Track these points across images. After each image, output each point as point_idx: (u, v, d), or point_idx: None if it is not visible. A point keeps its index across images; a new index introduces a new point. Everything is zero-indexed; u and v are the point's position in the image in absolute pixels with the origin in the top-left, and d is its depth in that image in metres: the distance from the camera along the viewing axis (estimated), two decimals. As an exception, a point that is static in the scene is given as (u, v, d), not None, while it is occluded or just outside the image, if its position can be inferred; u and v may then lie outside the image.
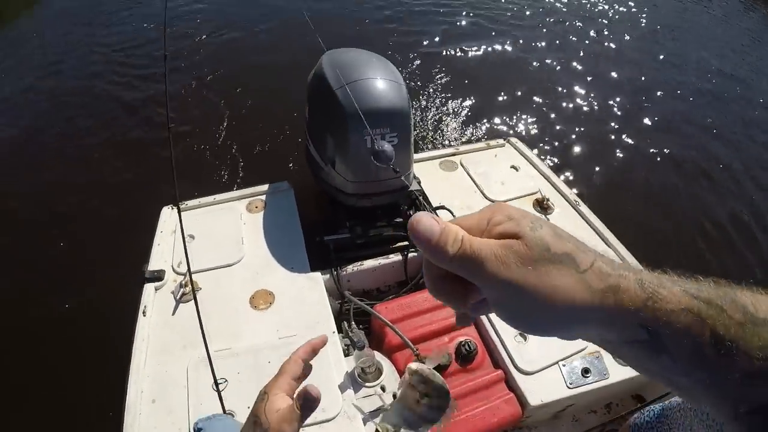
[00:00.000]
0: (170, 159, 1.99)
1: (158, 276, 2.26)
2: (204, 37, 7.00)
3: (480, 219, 0.49)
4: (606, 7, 7.96)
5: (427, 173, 2.85)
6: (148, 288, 2.23)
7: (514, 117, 5.23)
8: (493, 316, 2.04)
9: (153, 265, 2.34)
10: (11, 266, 4.00)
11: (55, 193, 4.70)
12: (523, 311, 0.47)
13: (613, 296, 0.45)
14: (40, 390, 3.17)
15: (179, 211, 2.05)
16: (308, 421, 1.72)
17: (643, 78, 6.15)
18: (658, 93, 5.87)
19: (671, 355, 0.46)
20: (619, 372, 1.96)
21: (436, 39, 6.48)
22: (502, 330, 2.03)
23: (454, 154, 3.03)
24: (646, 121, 5.39)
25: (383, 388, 1.89)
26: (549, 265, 0.45)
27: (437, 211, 2.54)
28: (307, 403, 0.81)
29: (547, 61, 6.32)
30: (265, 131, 4.81)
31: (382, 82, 2.29)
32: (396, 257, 2.46)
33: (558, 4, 7.86)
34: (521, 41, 6.61)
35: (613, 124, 5.29)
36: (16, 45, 8.79)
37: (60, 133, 5.70)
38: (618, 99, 5.64)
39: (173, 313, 2.15)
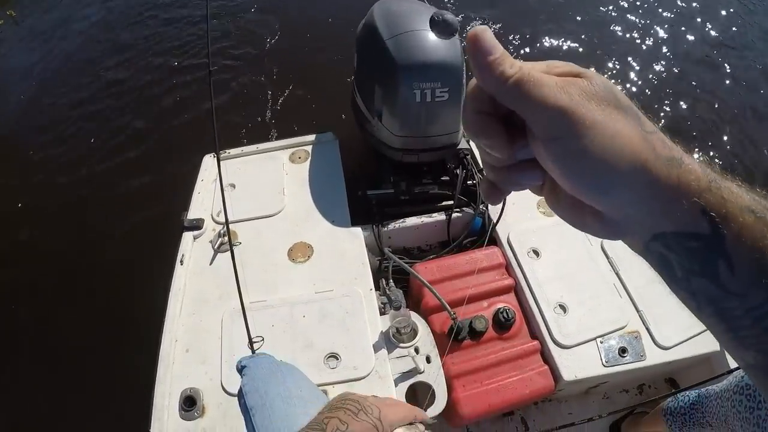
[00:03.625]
0: (211, 106, 2.04)
1: (197, 225, 2.36)
2: None
3: (539, 63, 0.45)
4: None
5: None
6: (187, 237, 2.34)
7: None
8: (535, 284, 2.06)
9: (192, 213, 2.45)
10: (53, 219, 4.23)
11: (99, 141, 4.91)
12: (577, 150, 0.41)
13: (676, 169, 0.41)
14: (77, 336, 3.39)
15: (218, 160, 2.12)
16: (339, 378, 1.82)
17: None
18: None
19: (729, 262, 0.41)
20: (656, 354, 1.97)
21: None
22: (542, 300, 2.06)
23: None
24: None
25: (417, 350, 1.95)
26: (613, 108, 0.41)
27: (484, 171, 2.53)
28: None
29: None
30: (312, 81, 4.83)
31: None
32: (439, 216, 2.48)
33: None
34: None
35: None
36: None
37: (99, 77, 5.93)
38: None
39: (210, 263, 2.25)
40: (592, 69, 0.43)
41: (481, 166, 2.53)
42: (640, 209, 0.43)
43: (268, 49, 5.54)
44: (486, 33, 0.42)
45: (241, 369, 1.34)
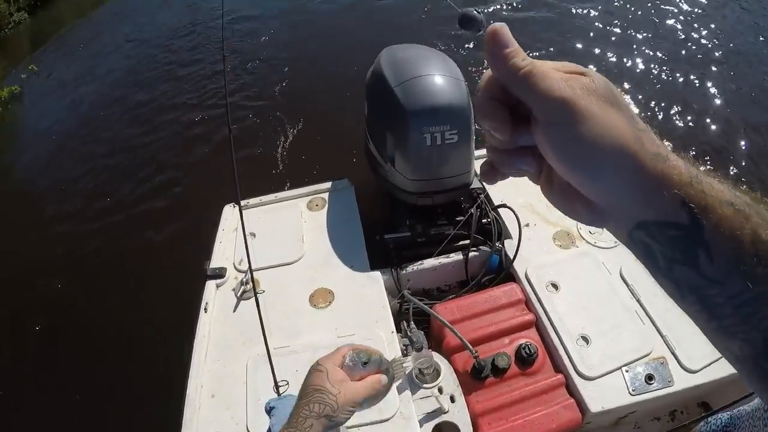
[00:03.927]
0: (231, 159, 2.15)
1: (220, 273, 2.45)
2: (263, 38, 7.38)
3: (549, 62, 0.50)
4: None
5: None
6: (210, 285, 2.42)
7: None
8: (555, 318, 2.08)
9: (215, 262, 2.54)
10: (78, 270, 4.38)
11: (119, 194, 5.10)
12: (574, 136, 0.46)
13: (661, 164, 0.46)
14: (105, 379, 3.48)
15: (240, 210, 2.21)
16: (364, 420, 1.85)
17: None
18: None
19: (708, 252, 0.45)
20: (684, 379, 1.95)
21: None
22: (563, 333, 2.07)
23: None
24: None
25: (440, 390, 1.97)
26: (610, 105, 0.46)
27: (499, 209, 2.58)
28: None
29: (615, 38, 6.19)
30: (326, 128, 5.00)
31: (440, 79, 2.37)
32: (457, 256, 2.53)
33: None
34: (588, 31, 6.46)
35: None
36: (81, 48, 9.47)
37: (117, 131, 6.19)
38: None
39: (234, 310, 2.32)
40: (594, 69, 0.49)
41: (495, 204, 2.60)
42: (626, 196, 0.48)
43: (281, 100, 5.76)
44: (504, 29, 0.48)
45: (269, 410, 1.39)
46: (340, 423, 0.95)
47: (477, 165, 2.64)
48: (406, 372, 1.17)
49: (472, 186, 2.56)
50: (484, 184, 2.65)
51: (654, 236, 0.48)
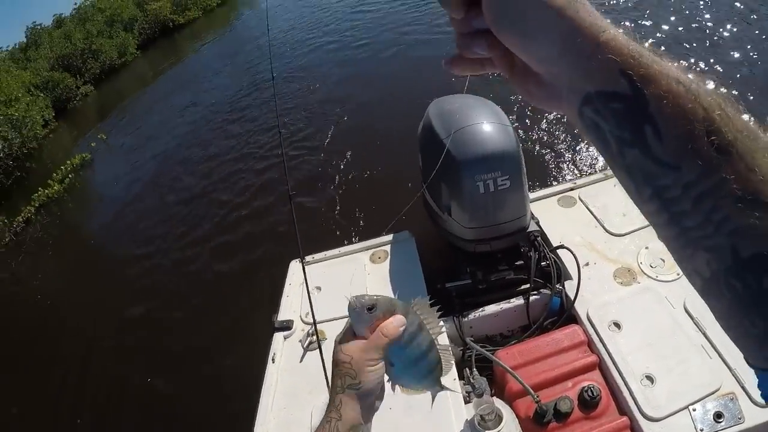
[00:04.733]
0: (293, 221, 2.35)
1: (287, 326, 2.63)
2: (315, 94, 7.83)
3: None
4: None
5: (546, 211, 2.97)
6: (278, 337, 2.61)
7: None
8: (618, 358, 2.12)
9: (282, 315, 2.73)
10: (148, 322, 4.71)
11: (185, 252, 5.47)
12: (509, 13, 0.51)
13: (598, 32, 0.47)
14: (171, 427, 3.74)
15: (303, 266, 2.38)
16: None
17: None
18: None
19: (656, 128, 0.44)
20: (756, 414, 1.90)
21: None
22: (627, 373, 2.09)
23: (572, 189, 3.12)
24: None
25: (503, 436, 2.03)
26: None
27: (557, 250, 2.66)
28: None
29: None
30: (385, 181, 5.19)
31: (488, 126, 2.51)
32: (518, 301, 2.61)
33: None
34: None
35: None
36: (145, 115, 10.26)
37: (180, 192, 6.65)
38: None
39: (300, 361, 2.48)
40: None
41: (553, 246, 2.68)
42: (564, 63, 0.50)
43: (337, 156, 6.08)
44: None
45: None
46: (370, 388, 0.87)
47: (532, 208, 2.74)
48: (441, 327, 0.93)
49: (528, 229, 2.64)
50: (541, 225, 2.74)
51: (599, 112, 0.48)
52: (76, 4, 30.30)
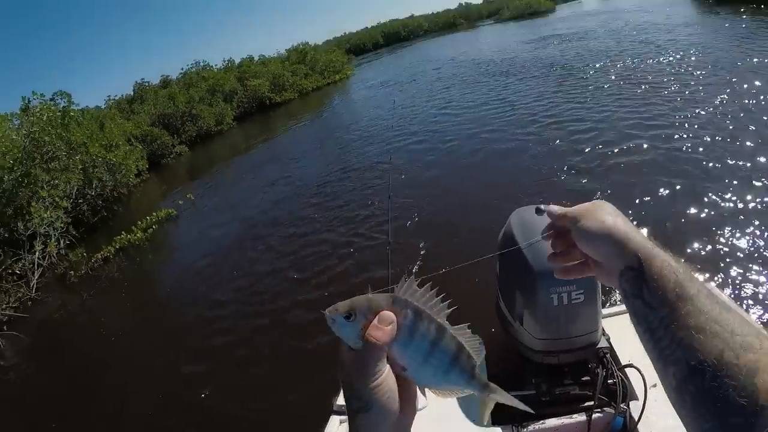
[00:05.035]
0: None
1: (344, 410, 2.70)
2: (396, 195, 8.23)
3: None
4: None
5: (617, 328, 2.94)
6: (334, 420, 2.67)
7: (709, 259, 5.07)
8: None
9: (341, 399, 2.80)
10: (208, 381, 4.86)
11: (255, 320, 5.73)
12: (581, 227, 0.92)
13: (629, 241, 0.85)
14: None
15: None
16: None
17: None
18: None
19: (648, 285, 0.78)
20: None
21: (627, 191, 6.69)
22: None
23: None
24: None
25: None
26: (604, 212, 0.93)
27: (625, 368, 2.65)
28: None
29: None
30: (458, 283, 5.26)
31: None
32: (580, 417, 2.60)
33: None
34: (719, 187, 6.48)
35: None
36: (232, 182, 10.87)
37: (256, 261, 6.97)
38: None
39: None
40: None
41: (622, 363, 2.66)
42: (612, 254, 0.86)
43: (412, 252, 6.21)
44: (551, 207, 1.01)
45: None
46: (381, 406, 0.75)
47: (604, 323, 2.76)
48: (443, 306, 0.82)
49: (598, 345, 2.66)
50: (611, 342, 2.76)
51: (626, 279, 0.83)
52: (182, 69, 32.80)
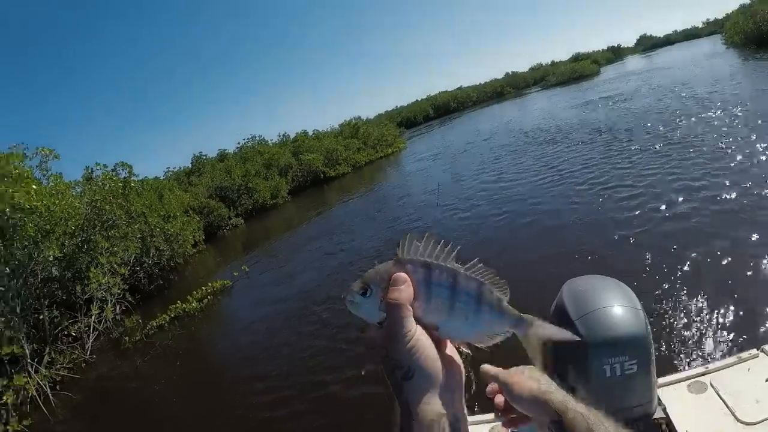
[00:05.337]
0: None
1: None
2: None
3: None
4: None
5: (674, 397, 2.90)
6: None
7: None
8: None
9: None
10: None
11: (311, 408, 5.85)
12: (510, 392, 1.10)
13: (550, 401, 1.01)
14: None
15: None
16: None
17: None
18: None
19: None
20: None
21: (678, 255, 6.63)
22: None
23: (703, 374, 3.03)
24: None
25: None
26: (528, 377, 1.11)
27: None
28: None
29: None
30: (512, 359, 5.30)
31: (619, 309, 2.59)
32: (634, 492, 2.57)
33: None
34: None
35: None
36: (286, 256, 11.16)
37: (312, 345, 7.13)
38: None
39: None
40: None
41: None
42: (539, 413, 1.04)
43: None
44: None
45: None
46: (425, 368, 0.77)
47: (660, 393, 2.74)
48: (448, 247, 0.83)
49: (654, 416, 2.59)
50: (668, 413, 2.72)
51: (552, 429, 1.00)
52: (239, 143, 34.17)
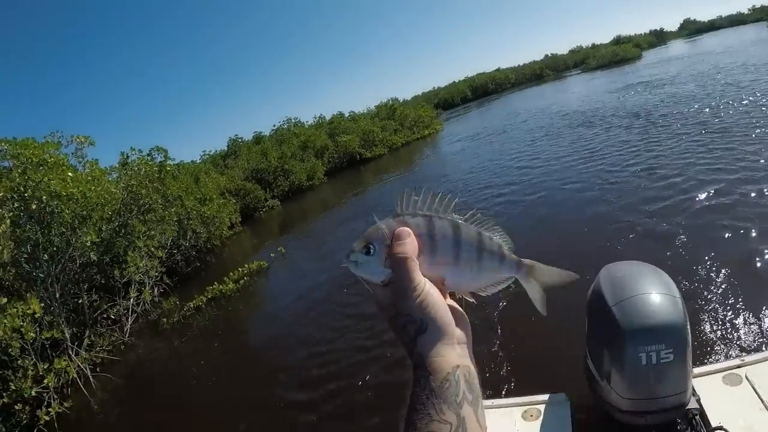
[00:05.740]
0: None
1: None
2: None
3: None
4: None
5: (708, 389, 2.85)
6: None
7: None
8: None
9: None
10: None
11: (346, 386, 5.96)
12: None
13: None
14: None
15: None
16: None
17: None
18: None
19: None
20: None
21: (717, 243, 6.54)
22: None
23: (739, 366, 2.97)
24: None
25: None
26: None
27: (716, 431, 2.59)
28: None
29: None
30: (545, 340, 5.23)
31: (657, 297, 2.59)
32: (664, 481, 2.55)
33: None
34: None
35: None
36: (323, 238, 11.20)
37: (358, 323, 7.15)
38: None
39: None
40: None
41: (712, 426, 2.59)
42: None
43: (494, 304, 6.21)
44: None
45: None
46: (436, 318, 0.78)
47: (695, 383, 2.70)
48: (446, 198, 0.85)
49: (688, 406, 2.61)
50: (701, 404, 2.69)
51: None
52: (274, 125, 34.28)
